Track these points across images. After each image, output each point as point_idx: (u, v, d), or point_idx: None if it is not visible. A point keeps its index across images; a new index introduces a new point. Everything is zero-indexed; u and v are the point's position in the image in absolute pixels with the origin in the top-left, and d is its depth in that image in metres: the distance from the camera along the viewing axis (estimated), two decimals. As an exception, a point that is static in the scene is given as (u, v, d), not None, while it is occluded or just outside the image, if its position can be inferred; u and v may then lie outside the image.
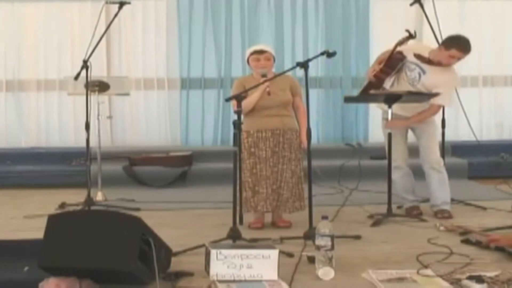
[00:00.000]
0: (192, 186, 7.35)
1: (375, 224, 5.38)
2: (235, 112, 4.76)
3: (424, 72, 5.55)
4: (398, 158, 5.73)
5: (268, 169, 5.30)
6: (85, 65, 6.06)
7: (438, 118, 6.05)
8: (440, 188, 5.73)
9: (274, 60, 5.48)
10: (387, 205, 5.46)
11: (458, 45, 5.48)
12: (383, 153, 5.65)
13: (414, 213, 5.68)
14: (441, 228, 5.23)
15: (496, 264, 4.27)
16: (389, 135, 5.51)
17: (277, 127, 5.33)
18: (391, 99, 5.44)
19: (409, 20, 8.77)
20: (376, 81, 5.64)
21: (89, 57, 6.07)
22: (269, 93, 5.15)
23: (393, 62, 5.58)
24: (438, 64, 5.53)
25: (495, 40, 8.83)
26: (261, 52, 5.40)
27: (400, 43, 5.47)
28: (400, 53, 5.61)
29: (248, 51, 5.52)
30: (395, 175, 5.72)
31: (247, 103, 5.10)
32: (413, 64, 5.61)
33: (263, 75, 5.23)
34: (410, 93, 5.55)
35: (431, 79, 5.52)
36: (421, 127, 5.73)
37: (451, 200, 6.20)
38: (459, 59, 5.52)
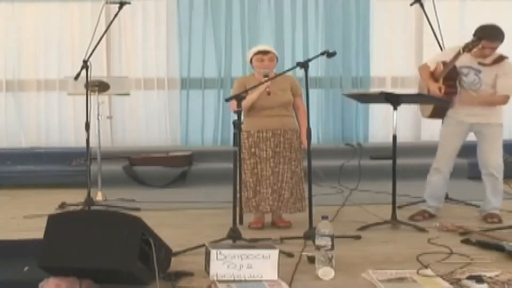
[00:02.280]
0: (192, 186, 7.36)
1: (362, 228, 5.31)
2: (234, 112, 4.75)
3: (479, 71, 5.42)
4: (442, 161, 5.63)
5: (269, 169, 5.30)
6: (85, 65, 6.06)
7: (507, 121, 5.92)
8: (494, 195, 5.60)
9: (277, 61, 5.47)
10: (392, 211, 5.36)
11: (485, 35, 5.30)
12: (383, 153, 5.63)
13: (417, 217, 5.60)
14: (439, 226, 5.24)
15: (496, 264, 4.27)
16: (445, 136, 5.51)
17: (278, 127, 5.33)
18: (393, 100, 5.39)
19: (409, 20, 8.80)
20: (448, 98, 5.46)
21: (89, 57, 6.07)
22: (268, 93, 5.15)
23: (451, 74, 5.45)
24: (483, 58, 5.40)
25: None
26: (265, 52, 5.38)
27: (469, 48, 5.29)
28: (445, 63, 5.48)
29: (251, 51, 5.48)
30: (432, 177, 5.66)
31: (245, 101, 5.09)
32: (465, 68, 5.46)
33: (265, 75, 5.22)
34: (410, 95, 5.52)
35: (489, 74, 5.39)
36: (485, 131, 5.55)
37: (450, 200, 6.23)
38: (492, 48, 5.34)
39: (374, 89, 8.51)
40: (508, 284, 3.82)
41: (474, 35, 5.36)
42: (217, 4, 8.55)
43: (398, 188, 5.38)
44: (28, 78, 8.45)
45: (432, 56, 5.88)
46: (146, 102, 8.64)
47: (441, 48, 6.36)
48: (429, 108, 5.77)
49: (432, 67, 5.65)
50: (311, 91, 5.10)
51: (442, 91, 5.45)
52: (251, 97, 5.19)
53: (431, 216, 5.67)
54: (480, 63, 5.43)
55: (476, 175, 7.53)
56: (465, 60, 5.44)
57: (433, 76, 5.59)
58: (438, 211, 5.75)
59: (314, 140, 6.25)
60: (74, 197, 6.32)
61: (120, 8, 6.29)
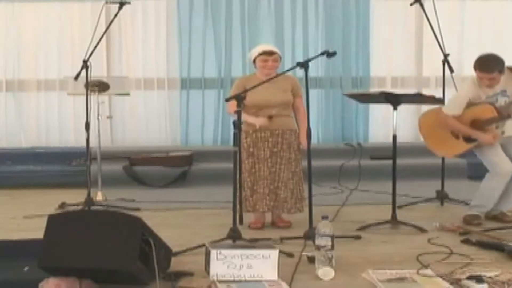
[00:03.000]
0: (192, 186, 7.35)
1: (362, 228, 5.30)
2: (230, 113, 4.73)
3: (504, 91, 5.35)
4: (506, 164, 5.41)
5: (266, 170, 5.30)
6: (85, 65, 6.06)
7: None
8: None
9: (280, 60, 5.47)
10: (392, 211, 5.35)
11: (477, 65, 5.29)
12: (383, 153, 5.61)
13: (475, 222, 5.41)
14: (438, 226, 5.23)
15: (496, 264, 4.27)
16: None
17: (277, 128, 5.32)
18: (392, 100, 5.39)
19: (409, 20, 8.80)
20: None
21: (89, 57, 6.06)
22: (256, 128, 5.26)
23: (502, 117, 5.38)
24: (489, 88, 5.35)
25: (495, 39, 8.82)
26: (270, 53, 5.36)
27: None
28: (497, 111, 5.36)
29: (255, 51, 5.44)
30: (498, 183, 5.43)
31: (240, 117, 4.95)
32: (490, 97, 5.38)
33: (270, 117, 5.25)
34: (410, 95, 5.50)
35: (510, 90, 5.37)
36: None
37: (451, 200, 6.22)
38: (490, 79, 5.27)
39: (374, 89, 8.51)
40: (508, 284, 3.82)
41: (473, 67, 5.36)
42: (217, 4, 8.55)
43: (398, 188, 5.38)
44: (28, 78, 8.46)
45: (453, 104, 5.54)
46: (146, 102, 8.64)
47: (441, 48, 6.35)
48: (459, 147, 5.58)
49: (458, 113, 5.44)
50: (311, 91, 5.10)
51: (496, 139, 5.38)
52: (245, 118, 5.09)
53: (480, 222, 5.51)
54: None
55: (476, 175, 7.54)
56: (484, 92, 5.39)
57: (462, 121, 5.44)
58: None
59: (314, 140, 6.24)
60: (74, 197, 6.32)
61: (120, 8, 6.28)
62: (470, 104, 5.45)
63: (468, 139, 5.51)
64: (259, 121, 5.26)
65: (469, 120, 5.44)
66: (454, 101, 5.56)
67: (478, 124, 5.41)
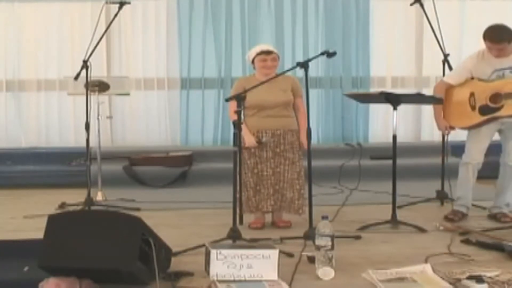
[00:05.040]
0: (192, 186, 7.35)
1: (362, 228, 5.29)
2: (235, 113, 4.72)
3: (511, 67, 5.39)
4: (475, 154, 5.54)
5: (270, 170, 5.30)
6: (85, 65, 6.06)
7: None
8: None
9: (279, 59, 5.46)
10: (392, 211, 5.34)
11: (487, 34, 5.31)
12: (383, 153, 5.61)
13: (456, 219, 5.52)
14: (441, 228, 5.23)
15: (496, 264, 4.27)
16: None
17: (278, 128, 5.32)
18: (392, 100, 5.38)
19: (409, 20, 8.80)
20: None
21: (89, 57, 6.07)
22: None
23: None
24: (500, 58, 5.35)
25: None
26: (268, 52, 5.37)
27: None
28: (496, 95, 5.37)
29: (253, 51, 5.44)
30: (464, 172, 5.57)
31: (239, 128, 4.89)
32: (499, 71, 5.38)
33: (259, 142, 5.27)
34: (410, 95, 5.49)
35: None
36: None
37: (450, 200, 6.22)
38: (498, 49, 5.30)
39: (374, 89, 8.52)
40: (508, 284, 3.82)
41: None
42: (217, 4, 8.56)
43: (398, 188, 5.38)
44: (28, 78, 8.46)
45: (453, 72, 5.64)
46: (146, 102, 8.65)
47: (441, 48, 6.35)
48: (474, 118, 5.54)
49: (454, 82, 5.51)
50: (311, 91, 5.10)
51: (448, 130, 5.57)
52: (243, 130, 5.06)
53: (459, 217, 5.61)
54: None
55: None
56: (491, 66, 5.40)
57: (484, 92, 5.39)
58: None
59: (314, 140, 6.25)
60: (74, 197, 6.33)
61: (120, 8, 6.29)
62: (497, 78, 5.41)
63: (482, 112, 5.48)
64: (250, 141, 5.24)
65: (490, 93, 5.40)
66: (455, 70, 5.68)
67: (496, 98, 5.39)
